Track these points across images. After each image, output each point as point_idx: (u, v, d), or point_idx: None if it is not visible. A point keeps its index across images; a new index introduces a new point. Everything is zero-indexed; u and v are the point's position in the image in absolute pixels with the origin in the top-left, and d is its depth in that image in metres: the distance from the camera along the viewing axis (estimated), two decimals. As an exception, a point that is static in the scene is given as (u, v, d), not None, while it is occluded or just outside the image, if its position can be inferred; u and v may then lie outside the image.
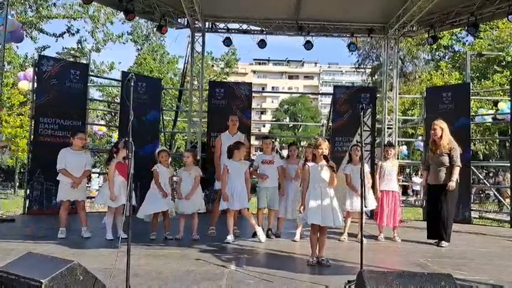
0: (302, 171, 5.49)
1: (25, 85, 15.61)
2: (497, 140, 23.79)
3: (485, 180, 16.06)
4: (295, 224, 7.09)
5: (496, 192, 13.67)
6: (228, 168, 6.63)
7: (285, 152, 8.38)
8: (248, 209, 6.73)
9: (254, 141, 20.51)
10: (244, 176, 6.64)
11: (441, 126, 6.87)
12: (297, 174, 7.02)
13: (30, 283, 3.33)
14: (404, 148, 19.37)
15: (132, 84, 3.87)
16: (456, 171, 6.72)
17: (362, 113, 4.78)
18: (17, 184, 26.68)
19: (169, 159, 7.01)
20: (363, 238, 4.36)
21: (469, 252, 6.40)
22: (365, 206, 4.71)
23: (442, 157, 6.83)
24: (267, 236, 7.02)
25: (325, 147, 5.23)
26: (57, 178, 6.72)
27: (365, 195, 4.56)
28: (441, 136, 6.85)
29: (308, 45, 12.00)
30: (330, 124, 12.06)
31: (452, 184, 6.67)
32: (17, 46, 19.19)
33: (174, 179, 7.32)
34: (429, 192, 7.13)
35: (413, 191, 23.67)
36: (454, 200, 6.92)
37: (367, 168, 7.81)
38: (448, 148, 6.79)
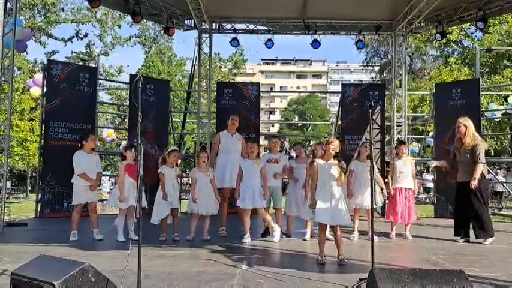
0: (309, 169, 5.43)
1: (37, 91, 15.74)
2: (509, 136, 23.57)
3: (497, 177, 15.89)
4: (304, 223, 7.08)
5: (508, 188, 13.51)
6: (241, 167, 6.65)
7: (294, 152, 8.34)
8: (264, 208, 6.76)
9: (263, 141, 20.51)
10: (259, 174, 6.65)
11: (465, 124, 6.83)
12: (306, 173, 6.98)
13: (42, 285, 3.35)
14: (417, 145, 19.23)
15: (140, 85, 3.89)
16: (479, 168, 6.64)
17: (371, 111, 4.75)
18: (29, 188, 26.97)
19: (179, 160, 7.01)
20: (374, 236, 4.34)
21: (481, 249, 6.34)
22: (375, 204, 4.67)
23: (467, 154, 6.78)
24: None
25: (336, 145, 5.21)
26: (72, 181, 6.74)
27: (374, 193, 4.51)
28: (465, 133, 6.80)
29: (315, 43, 11.94)
30: (339, 122, 12.03)
31: (474, 183, 6.59)
32: (26, 52, 19.40)
33: (185, 180, 7.33)
34: (457, 190, 7.06)
35: (425, 188, 23.47)
36: (484, 195, 6.84)
37: (376, 165, 7.73)
38: (472, 145, 6.74)
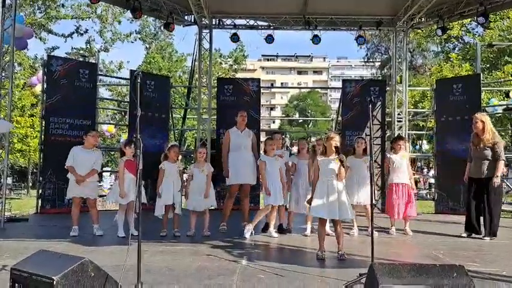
0: (312, 167, 5.44)
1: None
2: (510, 131, 23.54)
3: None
4: (305, 218, 7.08)
5: (508, 184, 13.50)
6: (265, 164, 6.61)
7: (295, 149, 8.29)
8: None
9: (264, 138, 20.50)
10: (279, 171, 6.66)
11: (482, 119, 6.77)
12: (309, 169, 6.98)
13: (42, 280, 3.35)
14: (418, 142, 19.20)
15: (139, 80, 3.88)
16: (500, 165, 6.63)
17: (371, 106, 4.74)
18: (30, 184, 26.99)
19: (179, 156, 7.00)
20: (374, 231, 4.33)
21: (482, 245, 6.34)
22: (375, 199, 4.66)
23: (485, 151, 6.73)
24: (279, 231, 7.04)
25: (337, 140, 5.21)
26: (67, 176, 6.74)
27: (373, 189, 4.50)
28: (483, 129, 6.74)
29: (316, 39, 11.89)
30: (340, 118, 12.00)
31: (497, 180, 6.60)
32: (27, 48, 19.38)
33: (185, 176, 7.33)
34: (471, 186, 7.00)
35: (430, 184, 23.48)
36: (499, 193, 6.87)
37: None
38: (492, 142, 6.69)
